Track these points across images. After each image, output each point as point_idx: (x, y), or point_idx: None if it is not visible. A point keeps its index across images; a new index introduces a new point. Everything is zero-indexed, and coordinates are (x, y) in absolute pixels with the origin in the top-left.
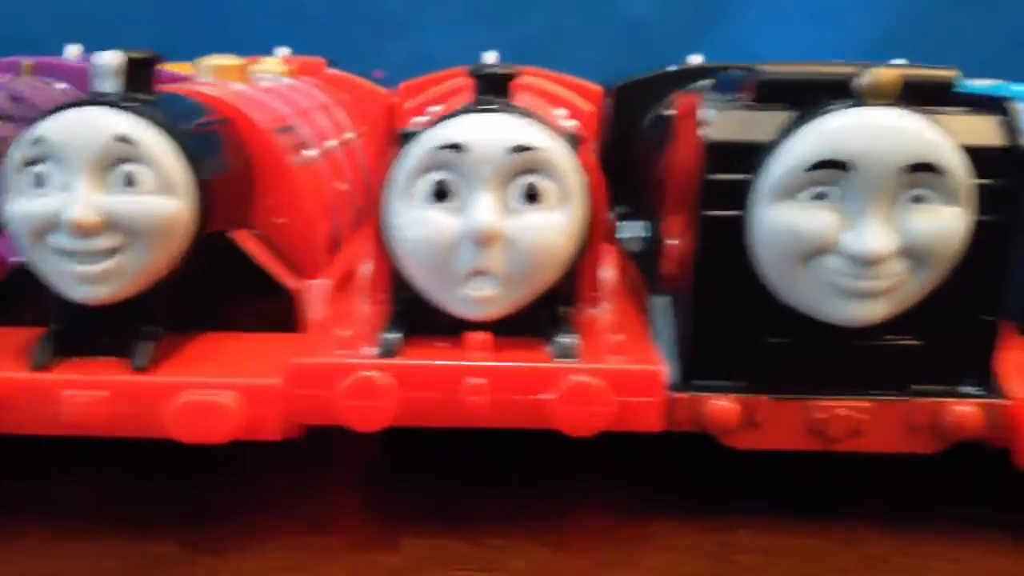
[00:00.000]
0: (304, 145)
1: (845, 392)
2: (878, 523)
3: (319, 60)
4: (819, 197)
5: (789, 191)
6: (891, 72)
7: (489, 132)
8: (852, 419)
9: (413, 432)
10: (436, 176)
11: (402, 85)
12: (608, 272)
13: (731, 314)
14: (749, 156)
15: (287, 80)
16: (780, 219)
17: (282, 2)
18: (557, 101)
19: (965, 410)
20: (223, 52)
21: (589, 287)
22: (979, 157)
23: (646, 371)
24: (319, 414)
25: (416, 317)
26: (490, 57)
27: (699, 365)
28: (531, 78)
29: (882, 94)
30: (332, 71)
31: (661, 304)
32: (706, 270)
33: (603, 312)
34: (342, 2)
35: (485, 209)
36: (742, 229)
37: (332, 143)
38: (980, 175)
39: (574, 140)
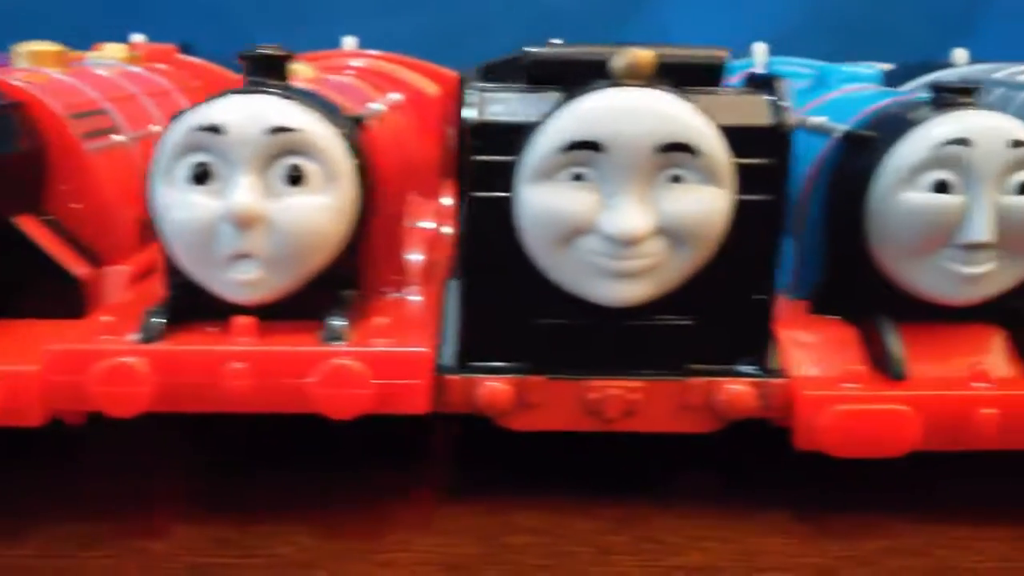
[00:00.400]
0: (114, 130)
1: (618, 372)
2: (656, 503)
3: (169, 47)
4: (578, 178)
5: (548, 172)
6: (645, 53)
7: (247, 113)
8: (626, 399)
9: (183, 417)
10: (196, 158)
11: None
12: (419, 256)
13: (503, 296)
14: (512, 137)
15: (126, 67)
16: (540, 200)
17: None
18: (399, 86)
19: (738, 389)
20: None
21: (386, 270)
22: (744, 137)
23: (410, 353)
24: (74, 400)
25: (189, 301)
26: (349, 42)
27: (473, 347)
28: (382, 63)
29: (636, 75)
30: (184, 57)
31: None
32: (476, 252)
33: (405, 296)
34: None
35: (243, 191)
36: (509, 210)
37: (158, 128)
38: (745, 154)
39: (354, 122)
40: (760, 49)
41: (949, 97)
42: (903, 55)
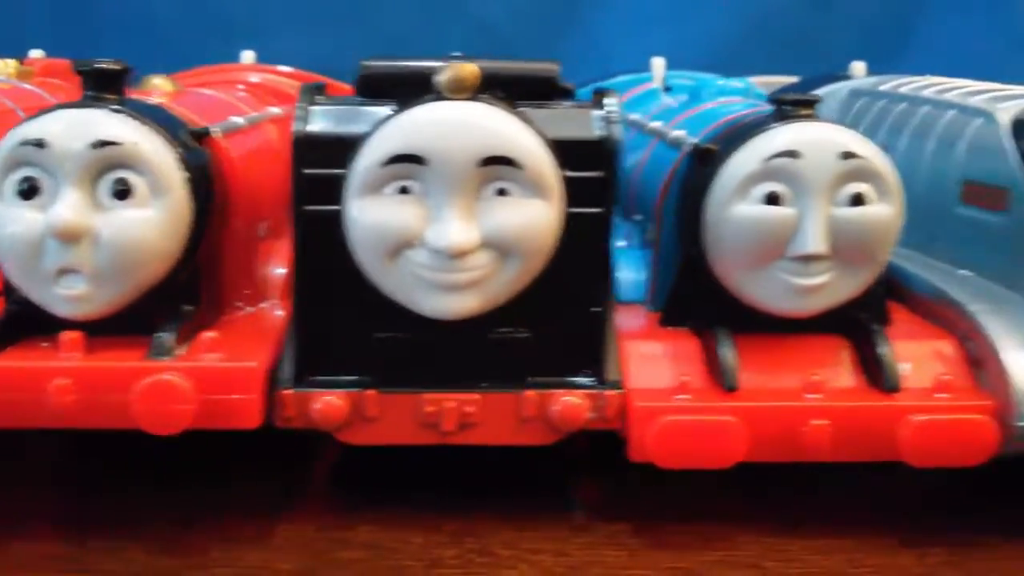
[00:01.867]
0: None
1: (455, 385)
2: (496, 516)
3: (64, 62)
4: (404, 191)
5: (374, 186)
6: (468, 67)
7: (70, 128)
8: (463, 412)
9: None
10: (22, 173)
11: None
12: (283, 270)
13: (337, 309)
14: (339, 151)
15: (14, 82)
16: (367, 214)
17: (130, 9)
18: (285, 99)
19: (571, 401)
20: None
21: (240, 284)
22: (572, 150)
23: (237, 368)
24: None
25: (26, 317)
26: (248, 56)
27: (308, 361)
28: (274, 77)
29: (460, 88)
30: None
31: None
32: (307, 266)
33: (262, 310)
34: (190, 9)
35: (64, 205)
36: (339, 224)
37: None
38: (573, 167)
39: (197, 136)
40: (658, 63)
41: (788, 110)
42: (836, 68)
